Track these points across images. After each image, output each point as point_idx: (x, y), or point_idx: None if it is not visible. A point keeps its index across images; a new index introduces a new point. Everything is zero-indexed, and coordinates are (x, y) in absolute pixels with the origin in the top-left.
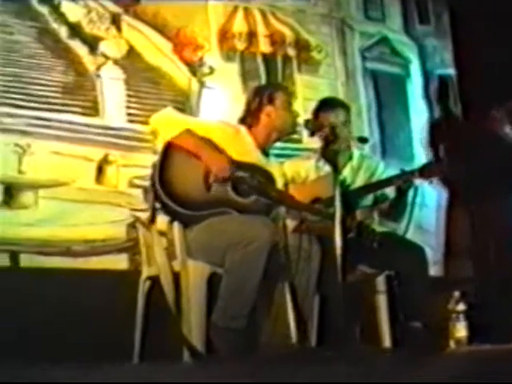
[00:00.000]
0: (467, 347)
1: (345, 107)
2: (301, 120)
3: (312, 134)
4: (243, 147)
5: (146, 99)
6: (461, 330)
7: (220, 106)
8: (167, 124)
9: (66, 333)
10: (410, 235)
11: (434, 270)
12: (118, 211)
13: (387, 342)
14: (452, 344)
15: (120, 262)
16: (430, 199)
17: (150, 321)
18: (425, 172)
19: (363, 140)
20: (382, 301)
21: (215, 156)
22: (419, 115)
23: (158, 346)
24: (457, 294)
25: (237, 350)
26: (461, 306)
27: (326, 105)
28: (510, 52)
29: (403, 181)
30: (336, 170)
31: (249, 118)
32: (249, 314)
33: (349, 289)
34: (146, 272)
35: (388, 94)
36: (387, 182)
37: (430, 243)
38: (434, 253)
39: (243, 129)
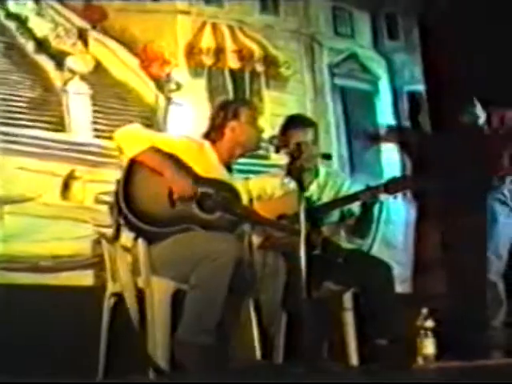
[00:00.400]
0: (435, 364)
1: (312, 125)
2: (266, 136)
3: (277, 150)
4: (207, 162)
5: (112, 115)
6: (428, 347)
7: (187, 122)
8: (131, 140)
9: (32, 348)
10: (377, 252)
11: (403, 287)
12: (84, 227)
13: (354, 359)
14: (420, 360)
15: (86, 278)
16: (397, 215)
17: (116, 337)
18: (390, 187)
19: (327, 157)
20: (349, 318)
21: (178, 175)
22: (388, 132)
23: (124, 362)
24: (425, 310)
25: (203, 366)
26: (429, 323)
27: (294, 122)
28: (479, 67)
29: (368, 196)
30: (301, 186)
31: (213, 132)
32: (215, 330)
33: (315, 305)
34: (110, 288)
35: (357, 110)
36: (352, 197)
37: (398, 260)
38: (402, 270)
39: (207, 144)
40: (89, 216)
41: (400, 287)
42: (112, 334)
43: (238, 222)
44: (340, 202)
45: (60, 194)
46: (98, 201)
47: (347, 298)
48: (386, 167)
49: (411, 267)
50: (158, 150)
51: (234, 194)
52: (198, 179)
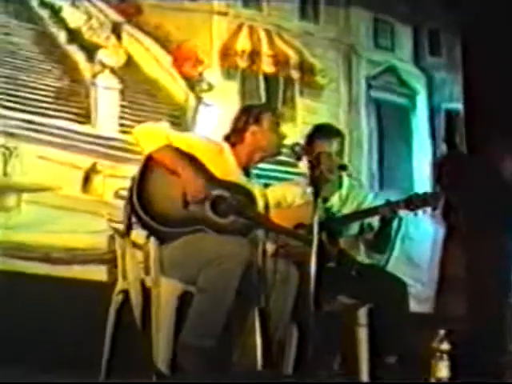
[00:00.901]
0: None
1: (339, 136)
2: (289, 142)
3: (298, 158)
4: (225, 165)
5: (140, 111)
6: (442, 370)
7: (216, 124)
8: (149, 136)
9: (38, 340)
10: (400, 269)
11: (423, 307)
12: (102, 221)
13: (365, 375)
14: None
15: (99, 272)
16: (424, 234)
17: (122, 335)
18: (410, 203)
19: (343, 167)
20: (362, 333)
21: (192, 176)
22: (422, 148)
23: (127, 361)
24: (442, 332)
25: (204, 369)
26: (445, 345)
27: (320, 131)
28: None
29: (387, 211)
30: (317, 195)
31: (233, 136)
32: (220, 334)
33: (326, 318)
34: (119, 285)
35: (391, 125)
36: (371, 211)
37: (420, 278)
38: (424, 289)
39: (227, 146)
40: (107, 211)
41: (420, 306)
42: (118, 332)
43: (251, 227)
44: (359, 215)
45: (80, 187)
46: (117, 196)
47: (362, 314)
48: (418, 184)
49: (434, 287)
50: (175, 149)
51: (250, 198)
52: (213, 181)
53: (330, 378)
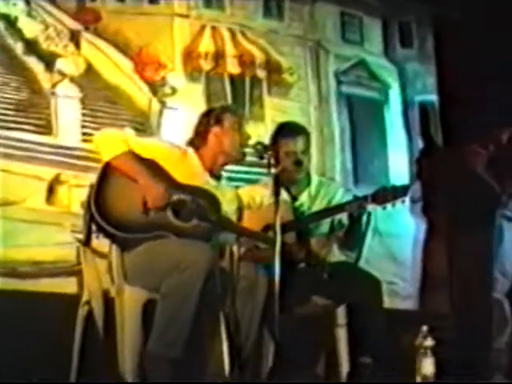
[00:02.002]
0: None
1: (305, 133)
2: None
3: (261, 157)
4: (189, 169)
5: (102, 118)
6: (427, 367)
7: (182, 128)
8: (108, 143)
9: (6, 356)
10: (383, 266)
11: (407, 304)
12: (69, 233)
13: (344, 376)
14: (418, 380)
15: (69, 285)
16: (406, 230)
17: (89, 347)
18: (378, 197)
19: (298, 163)
20: (342, 334)
21: (151, 183)
22: (397, 143)
23: (95, 372)
24: (425, 328)
25: (171, 379)
26: (428, 342)
27: (286, 130)
28: (495, 79)
29: (355, 207)
30: (277, 194)
31: (197, 139)
32: (186, 343)
33: (302, 321)
34: (85, 296)
35: (364, 120)
36: (339, 207)
37: (403, 275)
38: (407, 286)
39: (190, 150)
40: (74, 222)
41: (404, 303)
42: (86, 344)
43: (214, 231)
44: (326, 212)
45: (45, 199)
46: (84, 206)
47: (341, 314)
48: (394, 179)
49: (417, 284)
50: (134, 155)
51: (213, 202)
52: (175, 186)
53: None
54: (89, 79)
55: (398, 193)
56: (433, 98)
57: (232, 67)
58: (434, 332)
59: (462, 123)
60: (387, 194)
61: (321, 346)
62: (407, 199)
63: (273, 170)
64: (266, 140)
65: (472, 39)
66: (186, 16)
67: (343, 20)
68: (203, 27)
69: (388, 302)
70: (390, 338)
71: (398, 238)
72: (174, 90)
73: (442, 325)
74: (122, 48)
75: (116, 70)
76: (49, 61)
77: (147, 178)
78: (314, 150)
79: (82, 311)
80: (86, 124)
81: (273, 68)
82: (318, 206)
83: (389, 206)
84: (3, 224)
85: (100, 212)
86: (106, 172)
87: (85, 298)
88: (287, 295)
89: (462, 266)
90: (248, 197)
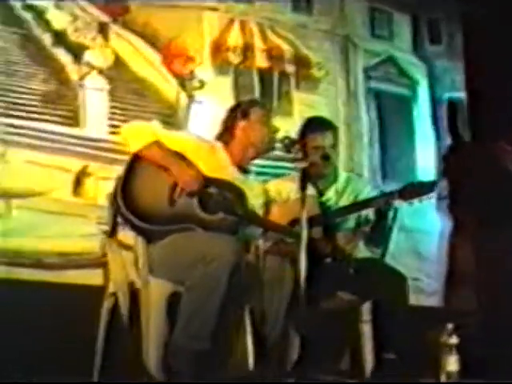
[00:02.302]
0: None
1: (333, 128)
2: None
3: (288, 151)
4: (217, 163)
5: (130, 111)
6: (452, 364)
7: (210, 122)
8: (136, 135)
9: (34, 346)
10: (407, 262)
11: (432, 300)
12: (95, 225)
13: (368, 372)
14: (443, 378)
15: (95, 277)
16: (432, 226)
17: (114, 338)
18: (405, 193)
19: (325, 157)
20: (366, 329)
21: (184, 168)
22: (425, 139)
23: (120, 365)
24: (450, 326)
25: (196, 371)
26: (453, 339)
27: (313, 125)
28: None
29: (382, 203)
30: (304, 188)
31: (224, 134)
32: (212, 335)
33: (327, 316)
34: (110, 288)
35: (392, 116)
36: (365, 203)
37: (429, 272)
38: (432, 282)
39: (219, 145)
40: (100, 214)
41: (429, 300)
42: (111, 335)
43: (240, 225)
44: (353, 207)
45: (71, 191)
46: (110, 198)
47: (365, 310)
48: (421, 175)
49: (442, 280)
50: (162, 145)
51: (240, 195)
52: (202, 177)
53: (339, 378)
54: (117, 71)
55: (424, 189)
56: (461, 94)
57: (260, 61)
58: (460, 329)
59: (490, 120)
60: (414, 190)
61: (345, 342)
62: (434, 195)
63: (300, 165)
64: (294, 134)
65: (500, 36)
66: (215, 9)
67: (372, 15)
68: (232, 21)
69: (413, 299)
70: (415, 335)
71: (424, 234)
72: (202, 84)
73: (468, 322)
74: (151, 40)
75: (144, 62)
76: (77, 53)
77: (178, 163)
78: (341, 145)
79: (107, 303)
80: (114, 116)
81: (301, 63)
82: (344, 201)
83: (415, 201)
84: (30, 215)
85: (126, 204)
86: (133, 164)
87: (110, 289)
88: (313, 289)
89: (488, 263)
90: (275, 191)
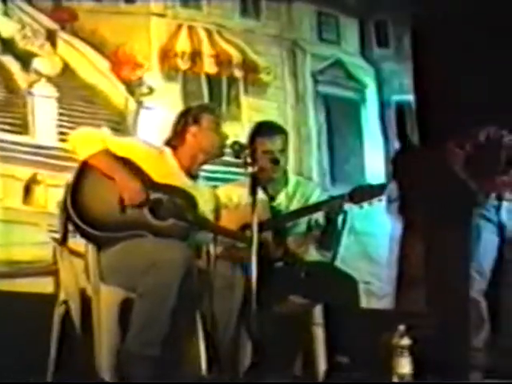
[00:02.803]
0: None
1: (283, 133)
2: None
3: (237, 157)
4: (166, 169)
5: (79, 118)
6: (405, 366)
7: (159, 128)
8: (84, 142)
9: None
10: (359, 265)
11: (383, 303)
12: (46, 233)
13: (321, 375)
14: (395, 379)
15: (46, 285)
16: (382, 229)
17: (66, 347)
18: (355, 196)
19: (274, 161)
20: (319, 332)
21: (128, 181)
22: (374, 142)
23: (72, 372)
24: (401, 327)
25: (149, 378)
26: (405, 341)
27: (263, 129)
28: (472, 79)
29: (332, 206)
30: (254, 193)
31: (174, 139)
32: (163, 341)
33: (280, 319)
34: (61, 295)
35: (341, 119)
36: (315, 207)
37: (379, 274)
38: (383, 285)
39: (167, 150)
40: (50, 221)
41: (380, 303)
42: (63, 344)
43: (190, 230)
44: (302, 212)
45: (21, 198)
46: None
47: (318, 313)
48: (370, 178)
49: (393, 283)
50: (110, 154)
51: (190, 201)
52: (152, 185)
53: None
54: (65, 79)
55: (374, 192)
56: (409, 97)
57: (209, 67)
58: (411, 331)
59: (439, 123)
60: (364, 193)
61: (298, 345)
62: (384, 198)
63: (250, 169)
64: (243, 140)
65: (449, 38)
66: (163, 15)
67: (320, 19)
68: (180, 26)
69: (364, 302)
70: (367, 338)
71: (374, 237)
72: (150, 90)
73: (419, 324)
74: (99, 47)
75: (92, 69)
76: (25, 60)
77: (124, 175)
78: (291, 149)
79: (58, 310)
80: (63, 123)
81: (249, 67)
82: (295, 205)
83: (366, 204)
84: None
85: (76, 211)
86: (82, 171)
87: (62, 297)
88: (264, 294)
89: (438, 265)
90: (225, 196)
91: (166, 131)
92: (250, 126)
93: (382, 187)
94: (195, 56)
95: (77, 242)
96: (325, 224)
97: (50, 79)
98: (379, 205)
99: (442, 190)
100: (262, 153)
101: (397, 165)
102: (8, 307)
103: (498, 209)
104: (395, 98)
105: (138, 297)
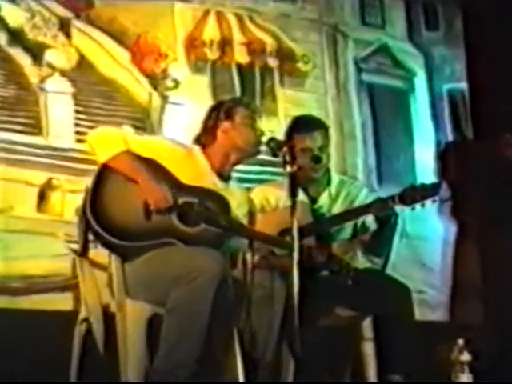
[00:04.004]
0: None
1: (323, 128)
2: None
3: (274, 155)
4: (195, 170)
5: (98, 116)
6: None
7: (187, 125)
8: (105, 143)
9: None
10: (411, 273)
11: (437, 314)
12: (64, 243)
13: None
14: None
15: (64, 301)
16: (435, 232)
17: (89, 366)
18: (406, 197)
19: (315, 159)
20: (369, 348)
21: (153, 183)
22: (424, 136)
23: None
24: (461, 342)
25: None
26: (465, 356)
27: (301, 125)
28: None
29: (381, 208)
30: (293, 194)
31: (204, 136)
32: (197, 361)
33: (325, 333)
34: (82, 313)
35: (387, 112)
36: (362, 209)
37: (433, 283)
38: (437, 294)
39: (197, 149)
40: (68, 231)
41: (434, 314)
42: (84, 366)
43: (224, 237)
44: (349, 214)
45: (35, 206)
46: (79, 213)
47: (367, 326)
48: (421, 177)
49: (448, 291)
50: (133, 154)
51: (223, 204)
52: (180, 187)
53: None
54: (81, 72)
55: (427, 192)
56: (462, 85)
57: (240, 56)
58: (470, 345)
59: (495, 113)
60: (416, 194)
61: (346, 363)
62: (437, 199)
63: (288, 169)
64: (280, 136)
65: (503, 21)
66: (188, 0)
67: (363, 1)
68: (207, 12)
69: (418, 313)
70: (422, 353)
71: (426, 240)
72: (176, 83)
73: (476, 336)
74: (118, 37)
75: (112, 61)
76: (36, 53)
77: (148, 177)
78: (333, 145)
79: (79, 329)
80: (80, 122)
81: (285, 56)
82: (339, 207)
83: (418, 206)
84: None
85: (97, 219)
86: (103, 174)
87: (83, 314)
88: (307, 306)
89: (495, 272)
90: (261, 198)
91: (195, 128)
92: (287, 121)
93: (435, 186)
94: (225, 44)
95: (98, 253)
96: (373, 228)
97: (64, 73)
98: (432, 206)
99: (500, 187)
100: (300, 150)
101: (445, 160)
102: (24, 327)
103: None
104: (447, 86)
105: (167, 312)
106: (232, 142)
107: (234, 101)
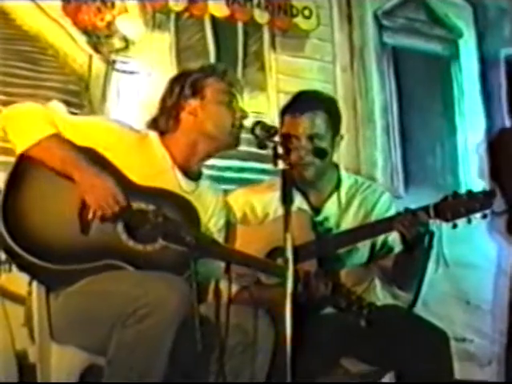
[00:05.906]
0: None
1: (330, 109)
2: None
3: (261, 146)
4: (151, 164)
5: (15, 87)
6: None
7: (140, 101)
8: (24, 125)
9: None
10: (451, 313)
11: (486, 372)
12: None
13: None
14: None
15: None
16: (484, 258)
17: None
18: (445, 209)
19: (319, 153)
20: None
21: (97, 179)
22: (471, 120)
23: None
24: None
25: None
26: None
27: (300, 104)
28: None
29: (409, 223)
30: (286, 201)
31: (163, 119)
32: None
33: None
34: None
35: (420, 87)
36: (383, 224)
37: (481, 328)
38: (487, 343)
39: (153, 135)
40: None
41: (482, 372)
42: None
43: (189, 258)
44: (363, 231)
45: None
46: None
47: None
48: (466, 179)
49: (502, 340)
50: (65, 141)
51: (189, 213)
52: (129, 189)
53: None
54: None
55: (475, 202)
56: None
57: (215, 7)
58: None
59: None
60: (459, 204)
61: None
62: (489, 212)
63: (281, 165)
64: (270, 120)
65: None
66: None
67: None
68: None
69: (459, 370)
70: None
71: (472, 269)
72: (126, 43)
73: None
74: None
75: (37, 12)
76: None
77: (90, 170)
78: (343, 133)
79: None
80: None
81: (278, 8)
82: (351, 219)
83: (461, 222)
84: None
85: (11, 231)
86: (21, 168)
87: None
88: (304, 357)
89: None
90: (243, 205)
91: (151, 107)
92: (281, 99)
93: (487, 195)
94: None
95: (13, 279)
96: (398, 250)
97: None
98: (481, 222)
99: None
100: (298, 140)
101: (503, 155)
102: None
103: None
104: (504, 51)
105: (108, 364)
106: (201, 126)
107: (205, 69)
